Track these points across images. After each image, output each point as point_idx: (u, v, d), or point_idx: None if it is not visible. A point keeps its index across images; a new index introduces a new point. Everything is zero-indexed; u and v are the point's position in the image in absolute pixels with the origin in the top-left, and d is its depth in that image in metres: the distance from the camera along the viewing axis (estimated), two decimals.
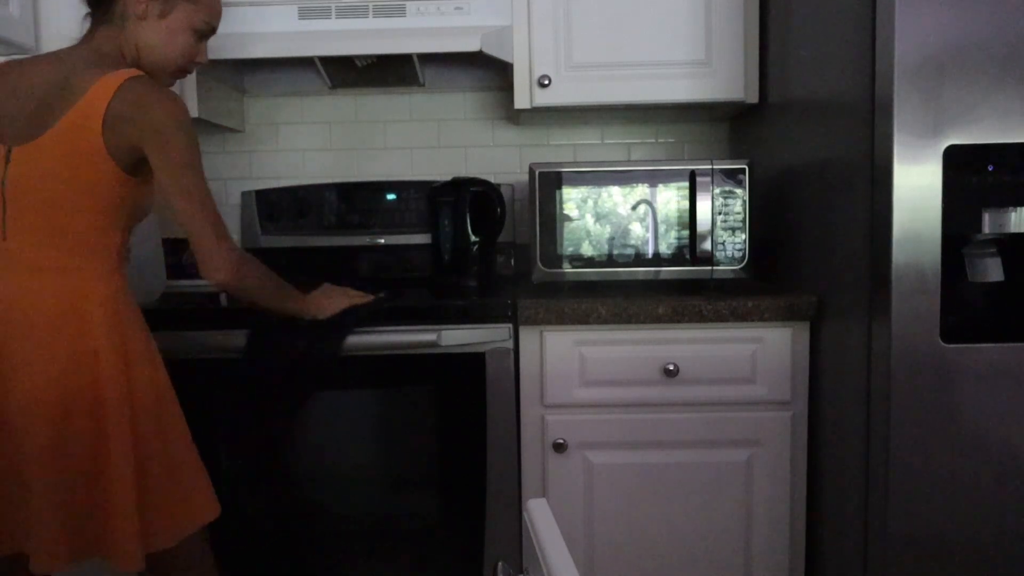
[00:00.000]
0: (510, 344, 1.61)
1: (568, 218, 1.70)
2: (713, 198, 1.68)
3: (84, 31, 1.33)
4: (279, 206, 2.16)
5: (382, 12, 1.86)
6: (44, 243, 1.22)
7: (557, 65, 1.89)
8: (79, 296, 1.22)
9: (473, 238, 1.95)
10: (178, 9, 1.30)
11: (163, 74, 1.35)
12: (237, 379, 1.54)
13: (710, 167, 1.68)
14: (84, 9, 1.35)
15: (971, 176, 1.33)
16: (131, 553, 1.18)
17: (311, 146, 2.29)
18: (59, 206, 1.21)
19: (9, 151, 1.22)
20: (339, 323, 1.49)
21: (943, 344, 1.33)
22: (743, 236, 1.69)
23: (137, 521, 1.19)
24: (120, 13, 1.28)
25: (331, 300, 1.50)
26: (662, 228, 1.70)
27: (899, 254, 1.32)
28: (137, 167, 1.25)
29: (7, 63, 1.29)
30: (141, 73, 1.24)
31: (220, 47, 1.89)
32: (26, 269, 1.22)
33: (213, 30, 1.38)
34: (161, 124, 1.20)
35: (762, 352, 1.62)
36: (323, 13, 1.86)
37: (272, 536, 1.63)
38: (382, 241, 2.14)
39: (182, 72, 1.38)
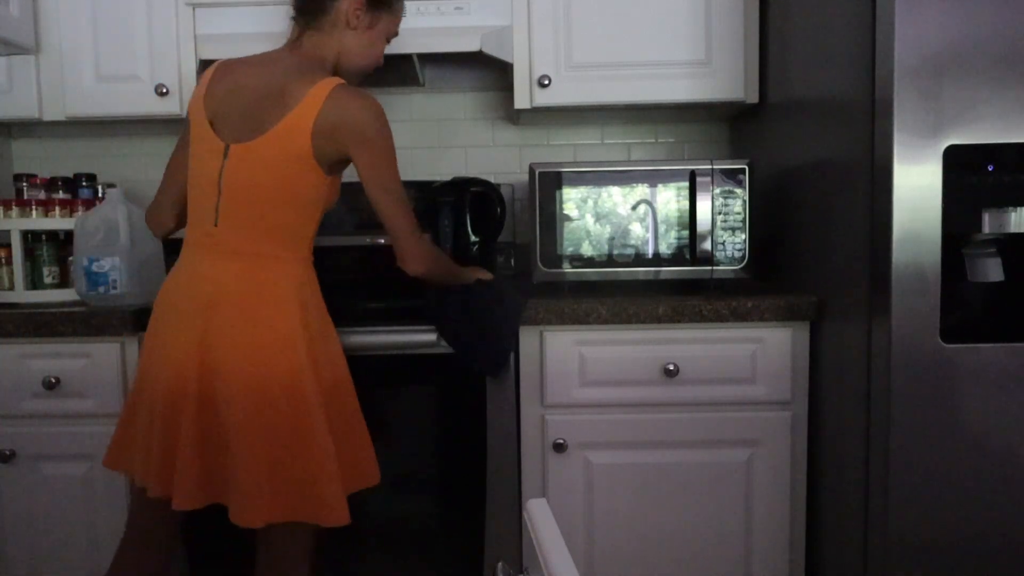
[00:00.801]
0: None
1: (568, 218, 1.70)
2: (713, 198, 1.68)
3: (291, 35, 1.44)
4: None
5: None
6: (249, 232, 1.33)
7: (557, 65, 1.89)
8: (276, 281, 1.33)
9: (473, 238, 1.95)
10: (381, 20, 1.45)
11: (356, 76, 1.47)
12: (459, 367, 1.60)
13: (710, 167, 1.68)
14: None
15: (971, 176, 1.33)
16: (341, 512, 1.29)
17: None
18: (265, 200, 1.33)
19: (227, 148, 1.33)
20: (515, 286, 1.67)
21: (943, 344, 1.32)
22: (743, 236, 1.69)
23: (341, 483, 1.30)
24: (331, 22, 1.40)
25: (479, 271, 1.65)
26: (662, 228, 1.70)
27: (899, 254, 1.32)
28: (334, 167, 1.37)
29: (224, 63, 1.41)
30: (343, 81, 1.36)
31: (220, 47, 1.89)
32: (232, 254, 1.33)
33: (396, 35, 1.54)
34: (365, 129, 1.33)
35: (762, 352, 1.62)
36: None
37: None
38: (382, 241, 2.14)
39: (368, 74, 1.51)
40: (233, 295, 1.31)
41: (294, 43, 1.43)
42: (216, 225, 1.35)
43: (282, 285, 1.33)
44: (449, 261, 1.53)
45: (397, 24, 1.50)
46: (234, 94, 1.36)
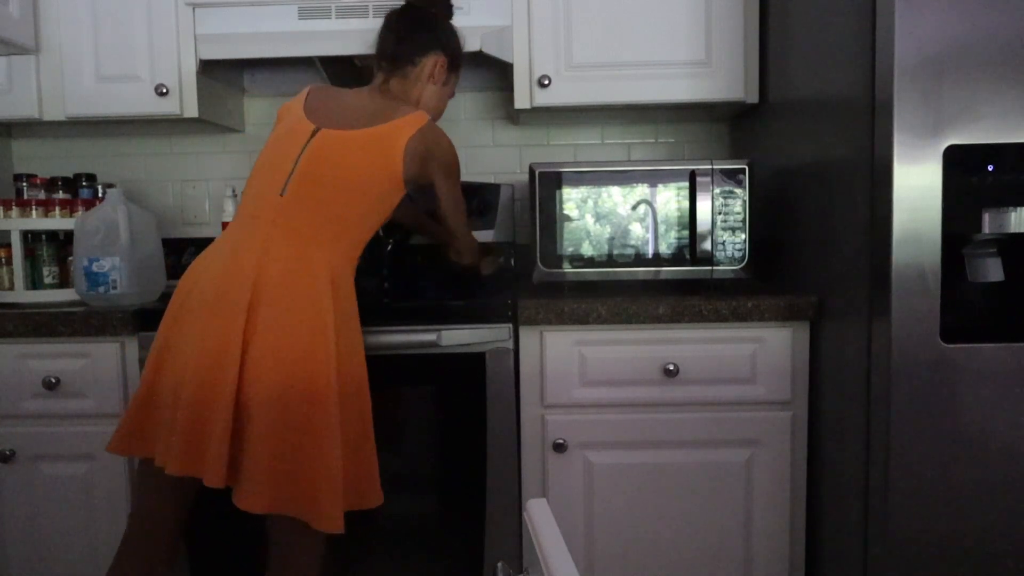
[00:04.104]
0: (510, 344, 1.61)
1: (568, 218, 1.70)
2: (713, 198, 1.68)
3: (376, 80, 1.59)
4: None
5: (382, 12, 1.85)
6: (310, 211, 1.39)
7: (557, 65, 1.89)
8: (317, 272, 1.36)
9: (388, 240, 1.90)
10: (451, 81, 1.65)
11: None
12: None
13: (710, 167, 1.68)
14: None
15: (971, 176, 1.34)
16: (335, 519, 1.29)
17: None
18: (336, 187, 1.40)
19: (317, 130, 1.44)
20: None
21: (943, 344, 1.32)
22: (743, 236, 1.69)
23: (342, 491, 1.30)
24: (416, 73, 1.59)
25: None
26: (662, 228, 1.70)
27: (899, 254, 1.32)
28: (409, 184, 1.48)
29: (318, 86, 1.57)
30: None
31: (220, 47, 1.89)
32: (287, 230, 1.38)
33: (453, 96, 1.73)
34: (451, 163, 1.54)
35: (762, 352, 1.62)
36: (323, 13, 1.86)
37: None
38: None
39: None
40: (277, 272, 1.33)
41: (381, 86, 1.57)
42: (282, 195, 1.39)
43: (321, 277, 1.35)
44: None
45: (455, 87, 1.68)
46: (333, 101, 1.51)
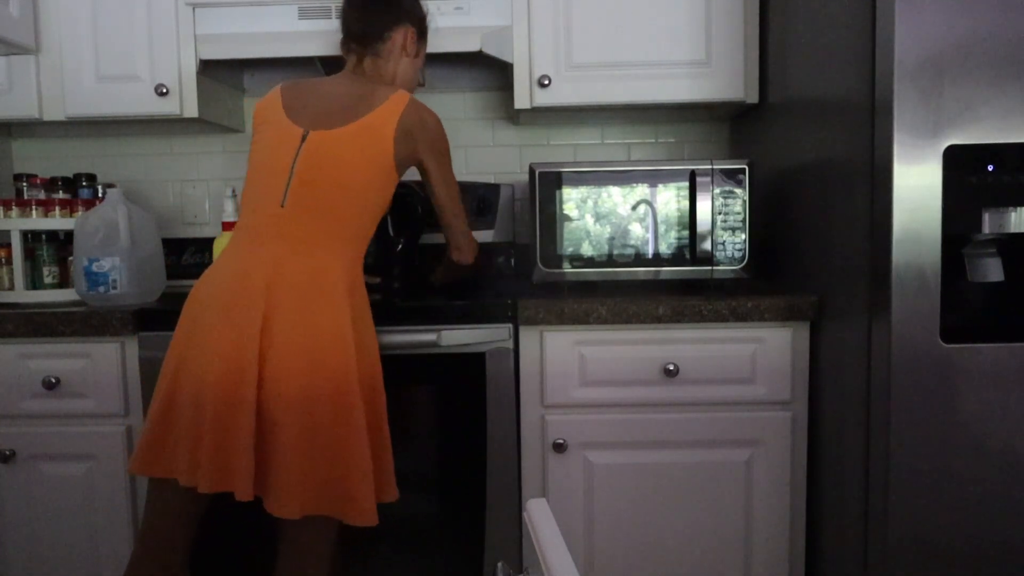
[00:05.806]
0: (510, 344, 1.61)
1: (568, 218, 1.70)
2: (713, 198, 1.68)
3: (349, 63, 1.58)
4: None
5: None
6: (313, 218, 1.38)
7: (557, 65, 1.89)
8: (331, 273, 1.36)
9: (398, 240, 1.91)
10: (422, 51, 1.65)
11: None
12: None
13: (710, 167, 1.68)
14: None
15: (971, 176, 1.33)
16: (369, 512, 1.31)
17: None
18: (335, 189, 1.39)
19: (306, 134, 1.41)
20: None
21: (943, 344, 1.32)
22: (743, 236, 1.69)
23: (373, 483, 1.32)
24: (388, 49, 1.56)
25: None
26: (662, 228, 1.70)
27: (899, 254, 1.32)
28: (402, 171, 1.48)
29: (291, 81, 1.52)
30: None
31: (220, 47, 1.89)
32: (292, 239, 1.37)
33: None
34: (438, 138, 1.51)
35: (762, 352, 1.62)
36: (323, 13, 1.86)
37: (273, 537, 1.63)
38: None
39: None
40: (290, 283, 1.33)
41: (356, 68, 1.56)
42: (283, 207, 1.38)
43: (336, 278, 1.36)
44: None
45: (424, 54, 1.68)
46: (315, 95, 1.47)
